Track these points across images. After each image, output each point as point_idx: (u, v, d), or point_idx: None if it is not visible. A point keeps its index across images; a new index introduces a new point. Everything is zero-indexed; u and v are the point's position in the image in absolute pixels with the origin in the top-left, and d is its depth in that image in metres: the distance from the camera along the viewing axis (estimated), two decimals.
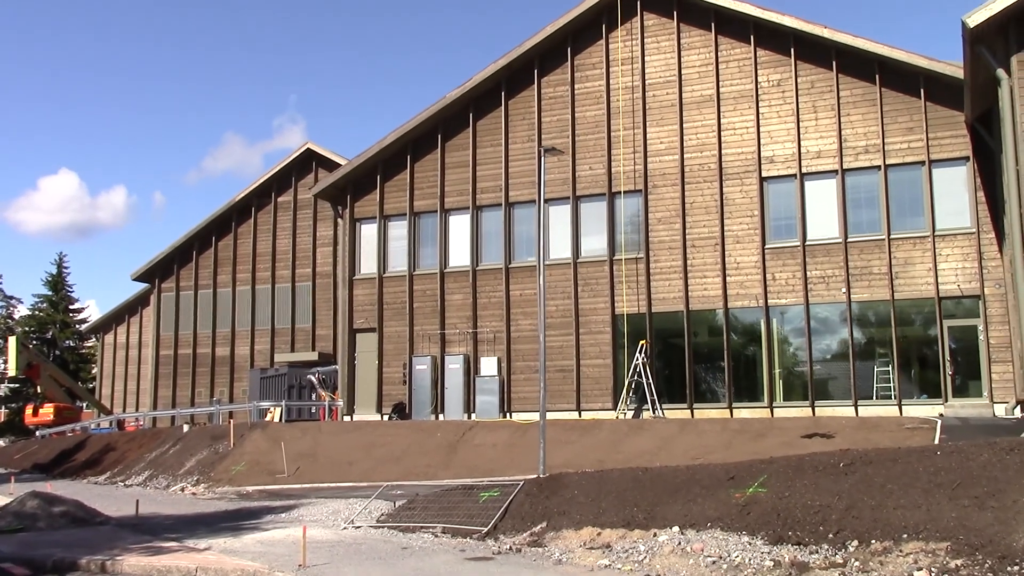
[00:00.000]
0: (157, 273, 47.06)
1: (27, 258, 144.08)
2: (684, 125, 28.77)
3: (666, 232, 28.67)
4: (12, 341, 46.12)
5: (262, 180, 45.28)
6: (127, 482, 28.59)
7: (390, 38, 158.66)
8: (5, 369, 64.79)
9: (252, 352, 44.50)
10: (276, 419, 32.44)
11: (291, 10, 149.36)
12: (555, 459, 24.37)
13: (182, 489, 25.98)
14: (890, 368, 26.09)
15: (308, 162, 44.40)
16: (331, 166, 42.42)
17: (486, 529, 14.88)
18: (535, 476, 17.44)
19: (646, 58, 29.55)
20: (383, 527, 16.35)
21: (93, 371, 67.64)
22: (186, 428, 32.08)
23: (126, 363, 57.95)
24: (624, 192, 29.16)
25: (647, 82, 29.42)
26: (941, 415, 24.44)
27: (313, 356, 41.70)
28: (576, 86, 30.27)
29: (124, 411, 53.96)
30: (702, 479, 13.88)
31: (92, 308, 75.31)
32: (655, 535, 12.58)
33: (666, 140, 29.01)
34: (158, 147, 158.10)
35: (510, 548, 13.69)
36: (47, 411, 48.99)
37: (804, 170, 27.40)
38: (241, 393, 44.07)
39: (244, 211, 45.37)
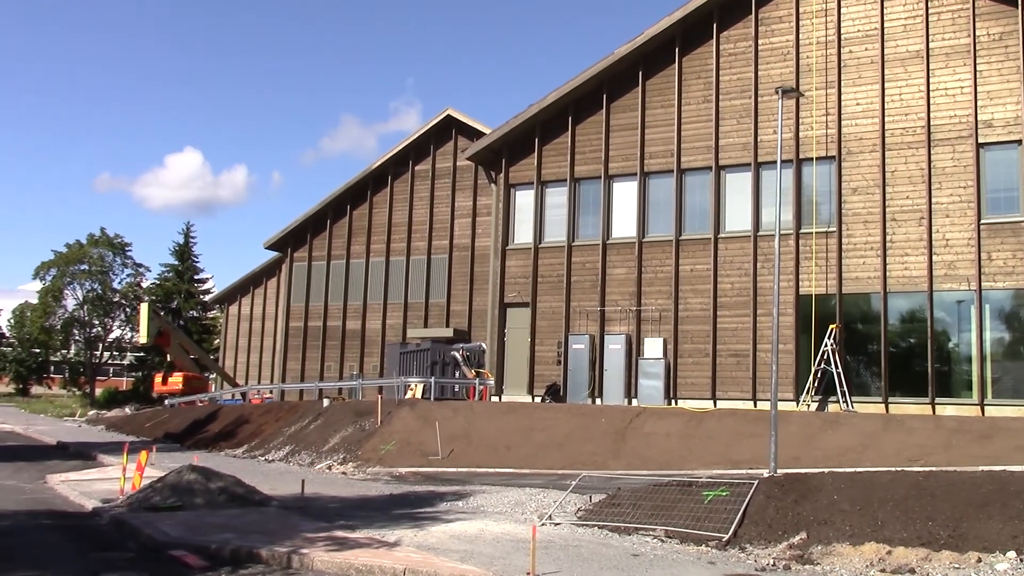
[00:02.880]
0: (290, 242, 45.77)
1: (151, 233, 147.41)
2: (886, 85, 25.60)
3: (862, 203, 25.61)
4: (144, 308, 45.49)
5: (399, 148, 43.46)
6: (267, 457, 26.98)
7: (511, 19, 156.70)
8: (135, 337, 65.13)
9: (384, 326, 42.82)
10: (418, 396, 30.51)
11: None
12: (740, 454, 21.90)
13: (329, 467, 24.19)
14: None
15: (448, 130, 42.36)
16: (472, 134, 40.35)
17: (726, 536, 12.40)
18: (765, 474, 14.86)
19: (842, 9, 26.44)
20: (589, 525, 14.02)
21: (215, 342, 67.46)
22: (327, 403, 30.39)
23: (249, 335, 57.20)
24: (814, 159, 26.16)
25: (843, 36, 26.32)
26: None
27: (448, 332, 39.74)
28: (760, 41, 27.35)
29: (247, 383, 53.15)
30: (1019, 489, 11.10)
31: (211, 283, 75.04)
32: (980, 560, 9.90)
33: (864, 101, 25.89)
34: (278, 127, 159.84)
35: (773, 564, 11.17)
36: (176, 380, 48.32)
37: None
38: (371, 368, 42.49)
39: (380, 180, 43.65)
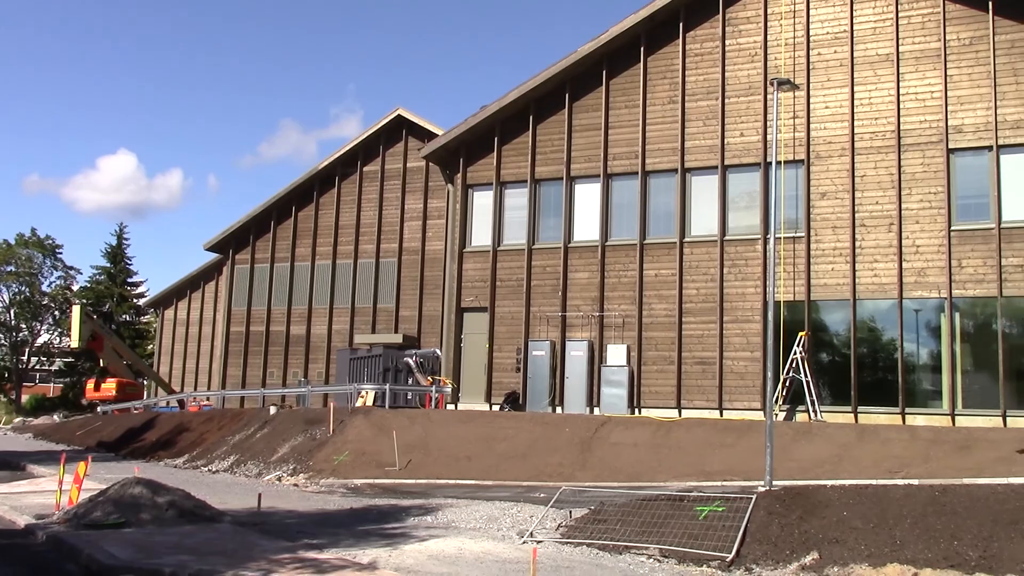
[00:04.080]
0: (231, 244, 44.10)
1: (82, 236, 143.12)
2: (855, 88, 25.14)
3: (830, 208, 25.09)
4: (76, 311, 43.49)
5: (347, 148, 42.14)
6: (211, 467, 25.51)
7: (457, 25, 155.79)
8: (65, 342, 62.67)
9: (330, 332, 41.42)
10: (369, 403, 29.27)
11: None
12: (712, 464, 21.13)
13: (279, 479, 22.87)
14: None
15: (398, 130, 41.17)
16: (423, 135, 39.24)
17: (730, 556, 11.50)
18: (762, 487, 14.01)
19: (811, 11, 25.95)
20: (575, 543, 13.02)
21: (149, 348, 65.27)
22: (273, 410, 28.97)
23: (186, 340, 55.20)
24: (783, 163, 25.59)
25: (812, 38, 25.83)
26: None
27: (397, 338, 38.45)
28: (727, 41, 26.72)
29: (183, 390, 51.24)
30: None
31: (145, 287, 72.73)
32: None
33: (833, 105, 25.41)
34: (215, 131, 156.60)
35: None
36: (109, 386, 46.40)
37: (1000, 142, 23.66)
38: (316, 375, 41.06)
39: (327, 180, 42.26)
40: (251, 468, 24.46)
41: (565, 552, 12.53)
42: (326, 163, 42.19)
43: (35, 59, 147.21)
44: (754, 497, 12.71)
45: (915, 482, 17.12)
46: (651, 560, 11.94)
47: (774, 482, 19.58)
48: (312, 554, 11.47)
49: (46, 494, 18.25)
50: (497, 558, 11.91)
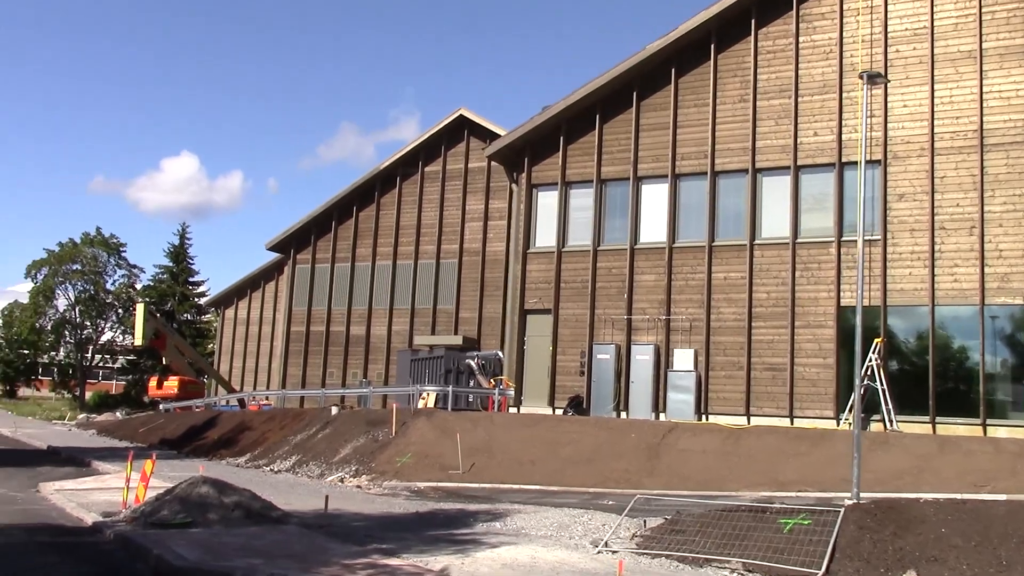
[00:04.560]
0: (292, 244, 44.18)
1: (145, 236, 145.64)
2: (936, 86, 24.26)
3: (908, 211, 24.25)
4: (140, 309, 43.86)
5: (409, 148, 42.01)
6: (273, 467, 25.39)
7: (512, 25, 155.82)
8: (129, 340, 63.49)
9: (389, 332, 41.25)
10: (430, 405, 29.01)
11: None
12: (785, 474, 20.46)
13: (341, 480, 22.65)
14: None
15: (459, 131, 40.90)
16: (485, 135, 38.94)
17: (820, 573, 10.93)
18: (848, 500, 13.38)
19: (890, 6, 25.11)
20: (652, 554, 12.52)
21: (210, 346, 65.88)
22: (335, 410, 28.82)
23: (245, 339, 55.46)
24: (860, 163, 24.78)
25: (889, 35, 24.99)
26: None
27: (457, 340, 38.21)
28: (801, 38, 26.01)
29: (242, 388, 51.46)
30: None
31: (205, 286, 73.47)
32: None
33: (911, 103, 24.56)
34: (275, 134, 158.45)
35: None
36: (171, 384, 46.76)
37: None
38: (376, 376, 40.91)
39: (388, 181, 42.13)
40: (313, 469, 24.30)
41: (643, 563, 12.05)
42: (387, 163, 42.09)
43: (102, 65, 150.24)
44: (842, 510, 12.11)
45: (1003, 497, 16.37)
46: (735, 575, 11.41)
47: (841, 493, 19.01)
48: (384, 560, 11.13)
49: (112, 491, 18.20)
50: (574, 568, 11.48)
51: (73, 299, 66.96)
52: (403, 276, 41.50)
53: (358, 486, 21.72)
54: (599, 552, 12.69)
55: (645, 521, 14.25)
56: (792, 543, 11.83)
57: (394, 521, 15.56)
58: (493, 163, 37.49)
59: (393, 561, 11.15)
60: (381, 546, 12.41)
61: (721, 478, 20.68)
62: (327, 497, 15.42)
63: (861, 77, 15.98)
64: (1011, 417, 22.96)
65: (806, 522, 12.17)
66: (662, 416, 25.87)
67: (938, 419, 23.29)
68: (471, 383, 30.14)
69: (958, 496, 15.77)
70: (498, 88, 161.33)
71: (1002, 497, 16.40)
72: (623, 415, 26.42)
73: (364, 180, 42.62)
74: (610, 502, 18.61)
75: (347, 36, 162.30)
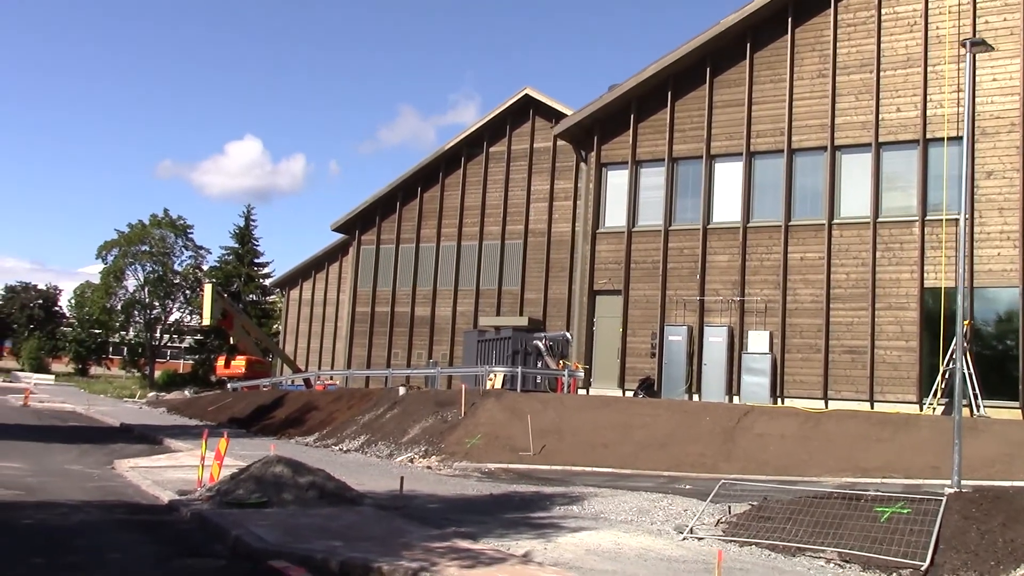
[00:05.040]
0: (357, 224, 44.16)
1: (210, 219, 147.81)
2: None
3: (997, 189, 23.27)
4: (208, 289, 44.13)
5: (474, 128, 41.64)
6: (341, 447, 25.32)
7: (572, 7, 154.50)
8: (196, 319, 64.30)
9: (454, 313, 41.06)
10: (497, 386, 28.72)
11: None
12: (869, 460, 19.80)
13: (411, 460, 22.47)
14: None
15: (525, 110, 40.40)
16: (551, 115, 38.46)
17: (924, 565, 10.39)
18: (949, 488, 12.75)
19: None
20: (741, 542, 12.05)
21: (275, 327, 66.46)
22: (403, 391, 28.68)
23: (310, 320, 55.81)
24: (942, 140, 23.85)
25: (978, 5, 23.94)
26: None
27: (522, 321, 37.88)
28: (883, 10, 25.06)
29: (307, 368, 51.74)
30: None
31: (270, 267, 74.14)
32: None
33: (1001, 77, 23.53)
34: (337, 117, 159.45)
35: None
36: (239, 363, 47.10)
37: None
38: (440, 357, 40.77)
39: (453, 161, 41.84)
40: (382, 448, 24.17)
41: (732, 552, 11.58)
42: (452, 144, 41.78)
43: (169, 51, 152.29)
44: (944, 499, 11.51)
45: None
46: (832, 565, 10.91)
47: (928, 480, 18.29)
48: (465, 544, 10.82)
49: (186, 469, 18.22)
50: (661, 555, 11.06)
51: (142, 280, 67.98)
52: (468, 257, 41.24)
53: (428, 467, 21.52)
54: (684, 539, 12.25)
55: (730, 507, 13.78)
56: (890, 532, 11.27)
57: (469, 503, 15.27)
58: (559, 143, 37.05)
59: (474, 545, 10.83)
60: (460, 529, 12.11)
61: (801, 463, 20.08)
62: (402, 479, 15.18)
63: (964, 45, 15.21)
64: None
65: (905, 511, 11.60)
66: (735, 399, 25.28)
67: None
68: (539, 364, 29.79)
69: None
70: (560, 70, 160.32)
71: None
72: (695, 398, 25.88)
73: (428, 161, 42.40)
74: (687, 487, 18.15)
75: (407, 20, 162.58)
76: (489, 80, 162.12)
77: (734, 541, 12.13)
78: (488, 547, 10.86)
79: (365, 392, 32.22)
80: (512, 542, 11.33)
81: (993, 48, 17.18)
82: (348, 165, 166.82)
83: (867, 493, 12.79)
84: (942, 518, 11.08)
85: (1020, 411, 22.32)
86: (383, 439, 24.97)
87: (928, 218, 23.89)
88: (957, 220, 23.29)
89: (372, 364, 42.43)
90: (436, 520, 12.95)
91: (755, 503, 13.66)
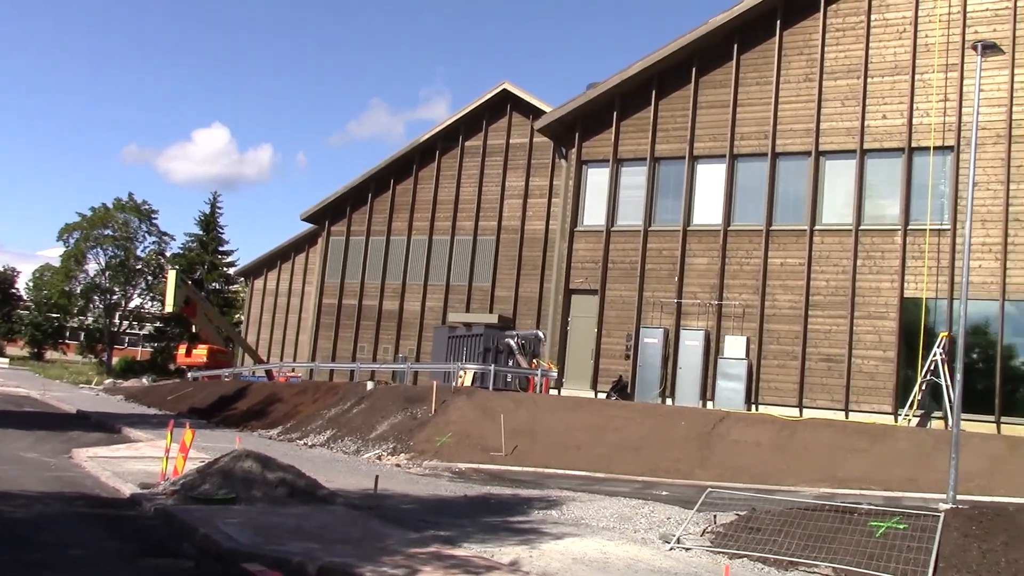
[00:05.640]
0: (328, 215, 43.38)
1: (174, 206, 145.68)
2: (1016, 70, 23.05)
3: (980, 200, 23.05)
4: (172, 276, 43.11)
5: (449, 121, 41.04)
6: (307, 441, 24.62)
7: (548, 6, 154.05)
8: (157, 306, 63.07)
9: (423, 308, 40.43)
10: (467, 383, 28.17)
11: None
12: (846, 471, 19.56)
13: (378, 457, 21.87)
14: None
15: (502, 105, 39.85)
16: (529, 111, 38.02)
17: None
18: (944, 504, 12.41)
19: None
20: (730, 554, 11.62)
21: (237, 316, 65.40)
22: (371, 385, 28.04)
23: (274, 310, 54.77)
24: (928, 149, 23.66)
25: (968, 15, 23.79)
26: None
27: (492, 319, 37.31)
28: (873, 16, 24.84)
29: (269, 360, 50.81)
30: None
31: (235, 256, 72.97)
32: None
33: (988, 88, 23.30)
34: (306, 108, 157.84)
35: None
36: (200, 352, 46.08)
37: None
38: (407, 352, 40.13)
39: (427, 154, 41.19)
40: (349, 444, 23.55)
41: (722, 564, 11.11)
42: (427, 136, 41.16)
43: (138, 35, 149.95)
44: (942, 515, 11.14)
45: None
46: None
47: (904, 493, 18.04)
48: (448, 550, 10.28)
49: (147, 460, 17.53)
50: (650, 566, 10.60)
51: (103, 264, 66.51)
52: (439, 252, 40.64)
53: (397, 464, 20.94)
54: (671, 548, 11.80)
55: (715, 517, 13.35)
56: (886, 549, 10.89)
57: (444, 505, 14.73)
58: (535, 139, 36.62)
59: (458, 551, 10.30)
60: (439, 533, 11.57)
61: (778, 472, 19.77)
62: (376, 477, 14.56)
63: (974, 48, 14.94)
64: None
65: (902, 527, 11.23)
66: (710, 404, 24.96)
67: (1004, 419, 22.23)
68: (510, 363, 29.27)
69: None
70: (534, 70, 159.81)
71: None
72: (669, 401, 25.52)
73: (402, 153, 41.74)
74: (664, 492, 17.76)
75: (379, 13, 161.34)
76: (461, 77, 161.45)
77: (723, 552, 11.70)
78: (472, 553, 10.34)
79: (331, 386, 31.53)
80: (496, 548, 10.82)
81: (1004, 52, 16.86)
82: (316, 157, 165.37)
83: (859, 506, 12.42)
84: (940, 535, 10.71)
85: (995, 425, 22.15)
86: (350, 434, 24.34)
87: (910, 227, 23.69)
88: (939, 230, 23.21)
89: (337, 357, 41.70)
90: (413, 522, 12.39)
91: (741, 513, 13.25)
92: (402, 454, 21.97)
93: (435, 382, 25.60)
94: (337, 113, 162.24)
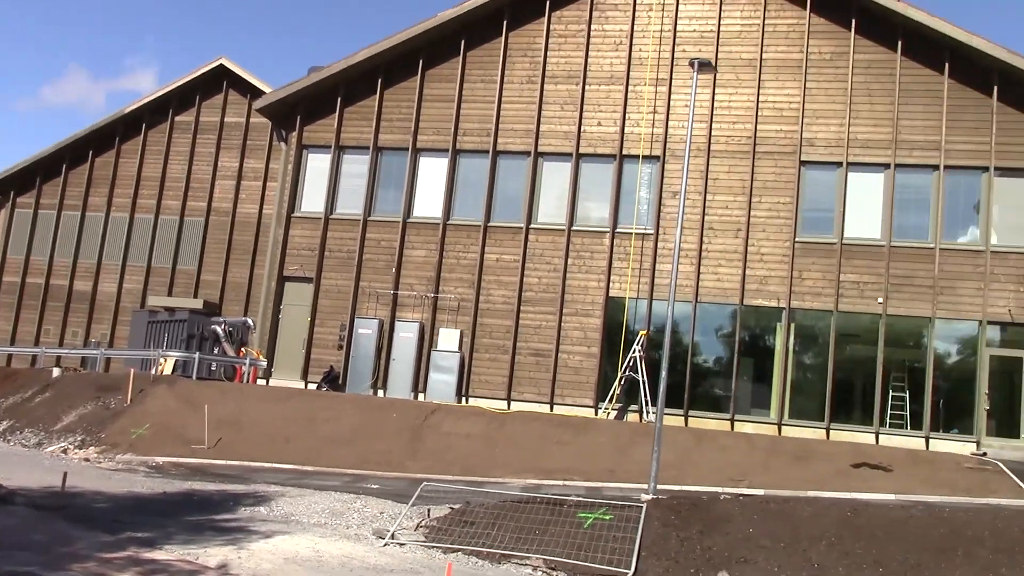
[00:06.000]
0: (13, 185, 39.34)
1: None
2: (717, 90, 24.81)
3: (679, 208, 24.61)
4: None
5: (160, 93, 38.31)
6: None
7: None
8: None
9: (120, 290, 37.55)
10: (167, 371, 26.52)
11: None
12: (550, 462, 20.22)
13: (64, 451, 20.06)
14: (922, 394, 23.01)
15: (218, 80, 37.77)
16: (247, 90, 36.29)
17: (630, 573, 10.37)
18: (646, 495, 12.97)
19: (680, 6, 25.45)
20: (444, 548, 11.54)
21: None
22: (57, 372, 25.69)
23: None
24: (637, 157, 24.98)
25: (678, 34, 25.31)
26: (984, 454, 21.52)
27: (196, 304, 35.33)
28: (593, 26, 25.83)
29: None
30: (977, 536, 9.82)
31: None
32: None
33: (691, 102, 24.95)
34: None
35: None
36: None
37: (850, 159, 23.97)
38: (100, 336, 37.22)
39: (133, 127, 38.26)
40: (29, 436, 21.49)
41: (438, 559, 11.04)
42: (133, 107, 38.27)
43: None
44: (644, 506, 11.65)
45: (760, 492, 16.80)
46: (539, 573, 10.65)
47: (605, 484, 18.94)
48: (146, 553, 9.43)
49: None
50: (365, 563, 10.29)
51: None
52: (141, 231, 37.91)
53: (86, 459, 19.29)
54: (386, 544, 11.56)
55: (429, 510, 13.26)
56: (593, 539, 11.24)
57: (142, 503, 13.65)
58: (253, 120, 35.17)
59: (158, 555, 9.48)
60: (136, 534, 10.63)
61: (486, 463, 20.09)
62: (65, 474, 13.23)
63: (692, 64, 15.74)
64: (754, 414, 23.96)
65: (607, 518, 11.63)
66: (422, 396, 24.99)
67: (692, 412, 23.86)
68: (216, 350, 27.86)
69: (726, 490, 15.92)
70: (253, 50, 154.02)
71: (759, 492, 16.84)
72: (382, 393, 25.31)
73: (104, 124, 38.54)
74: (374, 486, 17.51)
75: None
76: (172, 50, 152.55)
77: (437, 547, 11.60)
78: (174, 556, 9.55)
79: (9, 372, 28.64)
80: (201, 550, 10.08)
81: (717, 70, 17.96)
82: (2, 122, 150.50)
83: (568, 498, 12.76)
84: (643, 525, 11.17)
85: (684, 418, 23.74)
86: (31, 426, 22.20)
87: (618, 231, 24.87)
88: (643, 234, 24.57)
89: (18, 341, 37.96)
90: (107, 523, 11.33)
91: (455, 506, 13.24)
92: (92, 447, 20.28)
93: (132, 370, 23.87)
94: (28, 75, 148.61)
